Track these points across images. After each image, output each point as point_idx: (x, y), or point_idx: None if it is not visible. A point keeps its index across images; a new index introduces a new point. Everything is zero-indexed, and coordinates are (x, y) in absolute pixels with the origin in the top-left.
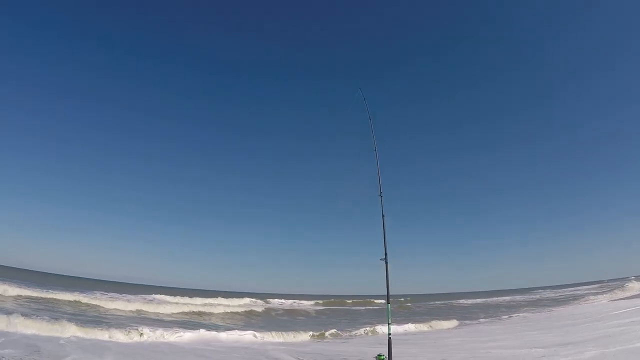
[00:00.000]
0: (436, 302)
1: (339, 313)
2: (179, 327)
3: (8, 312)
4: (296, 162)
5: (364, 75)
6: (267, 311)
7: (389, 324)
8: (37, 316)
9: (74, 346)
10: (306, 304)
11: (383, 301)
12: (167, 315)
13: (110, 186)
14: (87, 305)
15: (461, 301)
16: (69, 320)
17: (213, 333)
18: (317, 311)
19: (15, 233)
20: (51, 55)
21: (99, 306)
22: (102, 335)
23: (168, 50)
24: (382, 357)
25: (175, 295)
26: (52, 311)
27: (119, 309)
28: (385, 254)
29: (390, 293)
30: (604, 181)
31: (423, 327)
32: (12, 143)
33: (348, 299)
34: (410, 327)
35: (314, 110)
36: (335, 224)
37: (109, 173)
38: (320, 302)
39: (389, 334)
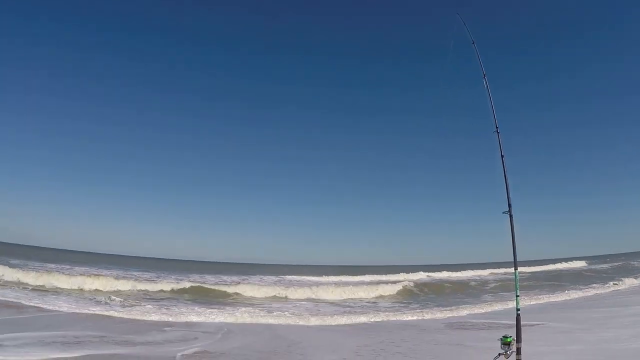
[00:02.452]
0: None
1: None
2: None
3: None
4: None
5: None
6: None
7: (517, 296)
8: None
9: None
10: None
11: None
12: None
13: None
14: (236, 295)
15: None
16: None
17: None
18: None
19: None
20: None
21: (252, 297)
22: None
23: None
24: (508, 339)
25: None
26: (221, 303)
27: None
28: (509, 205)
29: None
30: None
31: None
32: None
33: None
34: None
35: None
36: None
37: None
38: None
39: (517, 310)
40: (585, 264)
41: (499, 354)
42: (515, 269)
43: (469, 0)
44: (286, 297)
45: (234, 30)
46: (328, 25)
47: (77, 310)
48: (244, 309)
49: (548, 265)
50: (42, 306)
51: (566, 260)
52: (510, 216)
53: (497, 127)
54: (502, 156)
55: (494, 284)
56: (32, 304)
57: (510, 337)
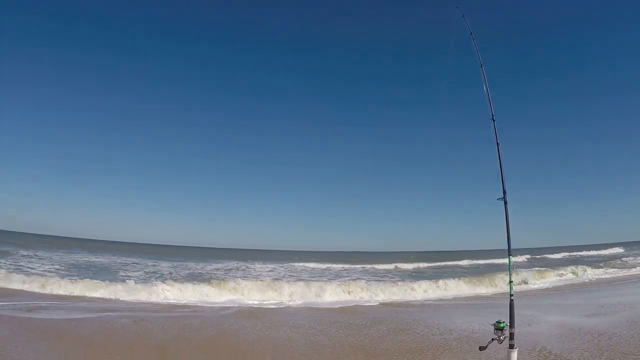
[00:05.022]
0: None
1: None
2: None
3: None
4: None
5: None
6: None
7: (510, 282)
8: None
9: None
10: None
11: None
12: None
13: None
14: None
15: None
16: None
17: None
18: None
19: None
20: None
21: None
22: None
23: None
24: (501, 325)
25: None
26: None
27: None
28: (504, 192)
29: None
30: None
31: None
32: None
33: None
34: None
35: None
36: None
37: None
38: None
39: (511, 295)
40: (622, 250)
41: (492, 339)
42: (510, 255)
43: None
44: None
45: (233, 23)
46: (324, 18)
47: None
48: None
49: (582, 252)
50: None
51: (605, 247)
52: (505, 203)
53: (492, 115)
54: (497, 143)
55: None
56: None
57: (504, 322)
